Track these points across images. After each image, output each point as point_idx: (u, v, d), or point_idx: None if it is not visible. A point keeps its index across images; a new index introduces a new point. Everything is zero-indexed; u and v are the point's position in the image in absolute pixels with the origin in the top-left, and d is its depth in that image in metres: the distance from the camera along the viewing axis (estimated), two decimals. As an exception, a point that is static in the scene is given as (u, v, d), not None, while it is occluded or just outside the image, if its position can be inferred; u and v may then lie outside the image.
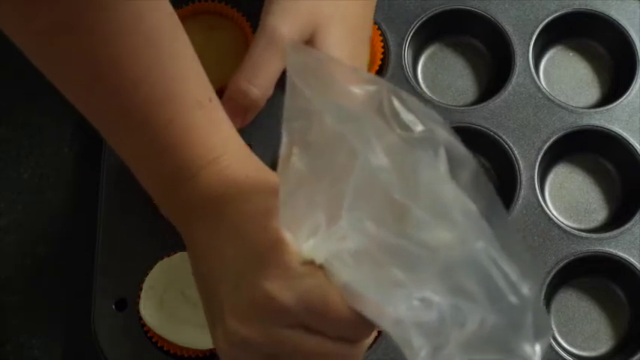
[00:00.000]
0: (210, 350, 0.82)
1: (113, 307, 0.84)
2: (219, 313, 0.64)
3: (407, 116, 0.59)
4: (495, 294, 0.56)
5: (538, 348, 0.57)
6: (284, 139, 0.61)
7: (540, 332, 0.57)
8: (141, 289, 0.83)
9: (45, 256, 0.88)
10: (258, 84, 0.75)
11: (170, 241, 0.85)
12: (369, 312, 0.60)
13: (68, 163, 0.91)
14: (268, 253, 0.61)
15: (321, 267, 0.61)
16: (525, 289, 0.56)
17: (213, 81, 0.72)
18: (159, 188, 0.68)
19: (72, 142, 0.91)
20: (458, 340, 0.57)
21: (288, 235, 0.61)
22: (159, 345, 0.83)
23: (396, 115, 0.59)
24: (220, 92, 0.81)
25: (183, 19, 0.89)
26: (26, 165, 0.91)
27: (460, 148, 0.58)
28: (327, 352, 0.62)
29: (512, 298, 0.56)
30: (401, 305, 0.58)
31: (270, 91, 0.76)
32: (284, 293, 0.60)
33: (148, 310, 0.82)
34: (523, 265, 0.57)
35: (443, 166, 0.57)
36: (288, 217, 0.61)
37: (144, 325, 0.83)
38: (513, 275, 0.56)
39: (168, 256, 0.84)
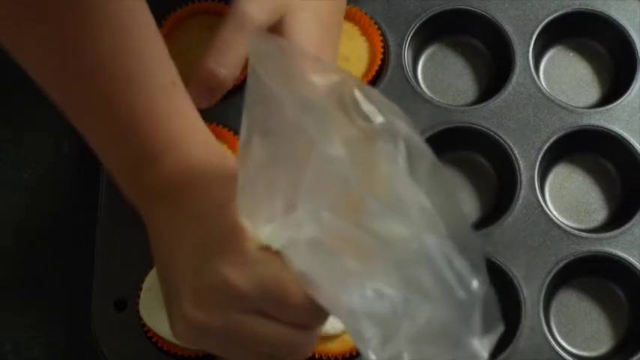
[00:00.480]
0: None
1: (113, 307, 0.84)
2: (176, 297, 0.64)
3: (367, 107, 0.59)
4: (445, 289, 0.57)
5: (487, 343, 0.58)
6: (244, 126, 0.61)
7: (490, 327, 0.58)
8: (141, 289, 0.83)
9: (45, 256, 0.89)
10: (226, 64, 0.76)
11: (170, 241, 0.85)
12: (324, 300, 0.60)
13: (68, 163, 0.91)
14: (226, 238, 0.62)
15: (278, 253, 0.62)
16: (475, 285, 0.57)
17: None
18: (122, 173, 0.69)
19: (72, 142, 0.91)
20: (409, 332, 0.58)
21: (245, 222, 0.62)
22: (159, 345, 0.83)
23: (356, 105, 0.59)
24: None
25: (182, 19, 0.89)
26: (26, 165, 0.91)
27: (419, 142, 0.59)
28: (281, 337, 0.63)
29: (461, 293, 0.57)
30: (354, 295, 0.58)
31: (237, 72, 0.77)
32: (241, 279, 0.61)
33: (147, 310, 0.82)
34: (475, 260, 0.58)
35: (401, 158, 0.58)
36: (246, 203, 0.61)
37: (144, 325, 0.83)
38: (464, 270, 0.57)
39: (168, 256, 0.84)
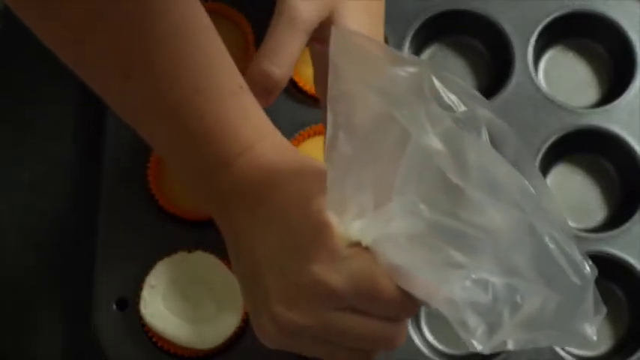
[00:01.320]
0: (210, 350, 0.83)
1: (113, 307, 0.84)
2: (263, 299, 0.63)
3: (449, 96, 0.59)
4: (558, 274, 0.57)
5: (595, 326, 0.58)
6: (329, 123, 0.61)
7: (597, 311, 0.58)
8: (141, 289, 0.83)
9: (45, 256, 0.88)
10: (280, 64, 0.75)
11: (170, 241, 0.85)
12: (421, 292, 0.60)
13: (68, 163, 0.91)
14: (313, 236, 0.61)
15: (366, 249, 0.61)
16: (588, 269, 0.57)
17: None
18: (194, 178, 0.68)
19: (72, 143, 0.91)
20: (514, 320, 0.58)
21: (333, 218, 0.61)
22: (159, 345, 0.83)
23: (437, 95, 0.59)
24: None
25: None
26: (26, 165, 0.91)
27: (501, 125, 0.59)
28: (374, 331, 0.62)
29: (576, 279, 0.57)
30: (455, 285, 0.58)
31: (291, 71, 0.76)
32: (331, 276, 0.61)
33: (148, 310, 0.82)
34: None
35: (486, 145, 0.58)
36: (334, 199, 0.61)
37: (144, 325, 0.83)
38: (575, 255, 0.57)
39: (169, 255, 0.84)
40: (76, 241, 0.88)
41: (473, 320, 0.58)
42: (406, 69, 0.60)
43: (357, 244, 0.61)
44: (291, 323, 0.62)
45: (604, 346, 0.85)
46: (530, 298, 0.58)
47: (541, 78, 0.91)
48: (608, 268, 0.85)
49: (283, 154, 0.66)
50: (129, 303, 0.84)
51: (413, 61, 0.61)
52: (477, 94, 0.60)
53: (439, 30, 0.92)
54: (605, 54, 0.93)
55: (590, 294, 0.58)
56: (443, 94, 0.59)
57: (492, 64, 0.92)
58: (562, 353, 0.83)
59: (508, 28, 0.91)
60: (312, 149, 0.87)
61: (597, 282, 0.85)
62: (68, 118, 0.92)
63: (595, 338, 0.58)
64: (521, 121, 0.88)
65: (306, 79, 0.88)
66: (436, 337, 0.85)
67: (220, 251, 0.84)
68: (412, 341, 0.83)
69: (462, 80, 0.90)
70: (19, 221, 0.89)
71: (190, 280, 0.83)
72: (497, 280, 0.58)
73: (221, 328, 0.82)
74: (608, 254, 0.85)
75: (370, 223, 0.60)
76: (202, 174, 0.66)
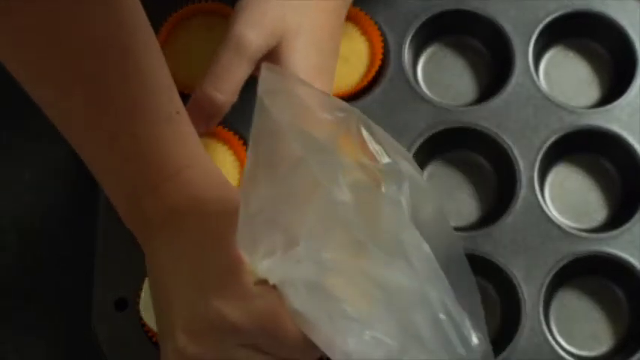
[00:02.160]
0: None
1: (113, 307, 0.84)
2: (170, 328, 0.64)
3: (374, 146, 0.60)
4: (445, 342, 0.57)
5: None
6: (249, 159, 0.61)
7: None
8: (141, 289, 0.83)
9: (45, 256, 0.89)
10: (223, 90, 0.76)
11: (170, 241, 0.85)
12: (319, 340, 0.60)
13: (68, 163, 0.91)
14: (224, 271, 0.62)
15: (274, 288, 0.61)
16: (475, 341, 0.58)
17: None
18: (122, 200, 0.68)
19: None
20: None
21: (244, 255, 0.61)
22: (159, 345, 0.83)
23: (363, 143, 0.59)
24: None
25: (183, 19, 0.89)
26: (26, 165, 0.91)
27: (424, 183, 0.59)
28: None
29: (461, 349, 0.57)
30: (351, 339, 0.59)
31: (234, 98, 0.77)
32: (237, 313, 0.61)
33: (148, 310, 0.82)
34: (476, 313, 0.59)
35: (405, 200, 0.58)
36: (246, 236, 0.61)
37: (144, 325, 0.83)
38: (464, 325, 0.58)
39: (169, 256, 0.84)
40: (76, 242, 0.88)
41: None
42: (335, 113, 0.60)
43: (265, 283, 0.61)
44: (192, 355, 0.62)
45: (604, 346, 0.85)
46: None
47: (541, 78, 0.91)
48: (608, 268, 0.86)
49: (211, 184, 0.67)
50: (129, 303, 0.84)
51: (342, 106, 0.61)
52: (400, 146, 0.60)
53: (439, 30, 0.92)
54: (605, 54, 0.93)
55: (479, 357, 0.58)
56: (369, 143, 0.59)
57: (492, 64, 0.92)
58: (562, 353, 0.83)
59: (508, 28, 0.91)
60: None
61: (598, 282, 0.86)
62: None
63: None
64: (521, 121, 0.88)
65: None
66: (436, 337, 0.85)
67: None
68: (412, 341, 0.83)
69: (460, 80, 0.92)
70: (19, 221, 0.89)
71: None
72: (390, 341, 0.58)
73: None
74: (608, 254, 0.85)
75: (278, 263, 0.61)
76: (129, 196, 0.67)
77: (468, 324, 0.58)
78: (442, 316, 0.57)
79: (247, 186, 0.61)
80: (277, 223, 0.60)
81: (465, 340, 0.57)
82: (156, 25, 0.70)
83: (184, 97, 0.89)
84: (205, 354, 0.62)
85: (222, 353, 0.62)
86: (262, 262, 0.61)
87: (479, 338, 0.58)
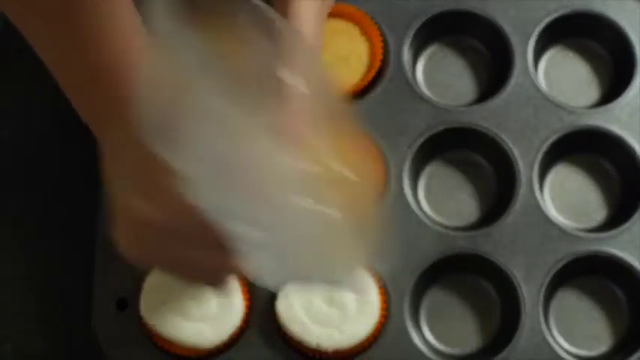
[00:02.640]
0: (210, 350, 0.83)
1: (114, 307, 0.84)
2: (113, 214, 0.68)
3: None
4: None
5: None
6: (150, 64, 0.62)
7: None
8: (141, 289, 0.83)
9: (45, 256, 0.88)
10: None
11: (170, 241, 0.85)
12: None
13: (68, 163, 0.91)
14: (145, 171, 0.64)
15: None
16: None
17: None
18: (78, 90, 0.69)
19: (72, 143, 0.91)
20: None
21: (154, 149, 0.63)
22: (159, 345, 0.83)
23: None
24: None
25: None
26: (26, 165, 0.91)
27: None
28: (198, 260, 0.67)
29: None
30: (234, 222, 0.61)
31: None
32: (147, 207, 0.65)
33: (148, 310, 0.82)
34: None
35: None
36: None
37: (144, 325, 0.83)
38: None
39: (169, 256, 0.84)
40: (76, 241, 0.88)
41: (256, 256, 0.62)
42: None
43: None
44: (130, 253, 0.68)
45: (604, 346, 0.85)
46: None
47: (541, 78, 0.91)
48: (608, 268, 0.86)
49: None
50: (129, 303, 0.84)
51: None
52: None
53: (439, 30, 0.92)
54: (605, 54, 0.93)
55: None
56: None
57: (492, 64, 0.92)
58: (562, 353, 0.83)
59: (508, 28, 0.91)
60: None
61: (598, 282, 0.86)
62: (68, 118, 0.92)
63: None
64: (521, 121, 0.88)
65: None
66: (436, 337, 0.85)
67: (220, 251, 0.85)
68: (412, 341, 0.83)
69: (460, 80, 0.92)
70: (19, 221, 0.89)
71: (190, 280, 0.83)
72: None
73: (221, 327, 0.82)
74: (608, 254, 0.85)
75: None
76: (87, 86, 0.67)
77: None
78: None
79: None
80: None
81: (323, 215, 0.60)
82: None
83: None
84: (127, 246, 0.68)
85: (151, 250, 0.67)
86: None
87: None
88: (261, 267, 0.62)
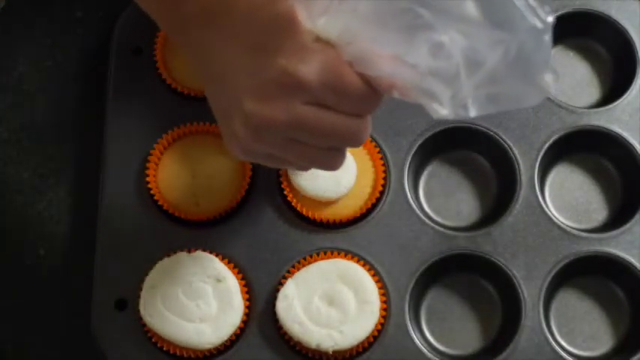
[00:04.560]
0: (210, 350, 0.83)
1: (113, 307, 0.84)
2: (235, 102, 0.64)
3: None
4: (518, 19, 0.56)
5: (552, 80, 0.57)
6: None
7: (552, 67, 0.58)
8: (141, 289, 0.83)
9: (45, 256, 0.89)
10: None
11: (170, 241, 0.85)
12: (385, 69, 0.61)
13: (68, 164, 0.91)
14: (280, 32, 0.62)
15: (333, 45, 0.62)
16: (545, 14, 0.56)
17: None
18: (162, 7, 0.69)
19: (72, 142, 0.91)
20: (476, 80, 0.58)
21: (300, 14, 0.62)
22: (159, 345, 0.83)
23: None
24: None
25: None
26: (26, 165, 0.91)
27: None
28: (341, 126, 0.64)
29: (536, 22, 0.56)
30: (420, 51, 0.58)
31: None
32: (299, 67, 0.62)
33: (147, 310, 0.82)
34: None
35: None
36: None
37: (144, 325, 0.83)
38: (534, 2, 0.56)
39: (168, 256, 0.84)
40: (76, 242, 0.89)
41: (437, 86, 0.59)
42: None
43: (322, 40, 0.62)
44: (263, 119, 0.63)
45: (604, 346, 0.85)
46: (492, 51, 0.57)
47: (541, 78, 0.91)
48: (608, 268, 0.86)
49: None
50: (129, 303, 0.84)
51: None
52: None
53: (439, 30, 0.92)
54: (605, 54, 0.93)
55: (550, 38, 0.56)
56: None
57: (492, 64, 0.92)
58: (562, 353, 0.83)
59: (508, 27, 0.91)
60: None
61: (598, 282, 0.86)
62: (68, 118, 0.92)
63: (552, 90, 0.58)
64: (521, 121, 0.88)
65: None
66: (436, 337, 0.85)
67: (220, 251, 0.85)
68: (412, 341, 0.83)
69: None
70: (19, 221, 0.89)
71: (190, 280, 0.83)
72: (457, 40, 0.58)
73: (221, 328, 0.82)
74: (608, 254, 0.85)
75: (335, 15, 0.61)
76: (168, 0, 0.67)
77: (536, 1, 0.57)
78: None
79: None
80: None
81: (535, 12, 0.56)
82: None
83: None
84: (274, 114, 0.63)
85: (290, 112, 0.63)
86: (319, 20, 0.61)
87: (547, 12, 0.57)
88: (439, 95, 0.59)
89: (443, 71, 0.58)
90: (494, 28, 0.57)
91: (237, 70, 0.64)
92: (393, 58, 0.60)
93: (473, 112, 0.59)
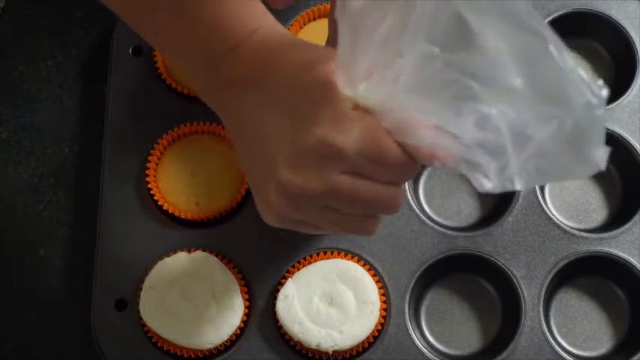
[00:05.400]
0: (210, 350, 0.83)
1: (113, 307, 0.84)
2: (270, 170, 0.63)
3: None
4: (574, 93, 0.55)
5: (604, 154, 0.56)
6: None
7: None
8: (141, 289, 0.83)
9: (45, 256, 0.89)
10: None
11: (170, 241, 0.85)
12: (427, 140, 0.59)
13: (68, 163, 0.91)
14: (319, 100, 0.61)
15: (372, 113, 0.61)
16: (599, 90, 0.55)
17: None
18: (198, 70, 0.68)
19: (72, 142, 0.91)
20: (523, 154, 0.56)
21: (340, 80, 0.60)
22: (159, 345, 0.83)
23: None
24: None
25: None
26: (26, 165, 0.91)
27: None
28: (378, 194, 0.63)
29: (591, 97, 0.55)
30: (466, 122, 0.57)
31: None
32: (337, 137, 0.61)
33: (148, 310, 0.82)
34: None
35: None
36: (343, 62, 0.60)
37: (144, 325, 0.83)
38: (584, 74, 0.55)
39: (168, 256, 0.84)
40: (76, 242, 0.89)
41: (482, 159, 0.57)
42: None
43: (362, 108, 0.61)
44: (297, 188, 0.62)
45: (604, 346, 0.85)
46: (542, 125, 0.56)
47: (541, 78, 0.91)
48: (608, 268, 0.86)
49: (283, 35, 0.67)
50: (128, 303, 0.84)
51: None
52: None
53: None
54: (605, 54, 0.93)
55: (604, 112, 0.55)
56: None
57: (492, 64, 0.92)
58: (562, 353, 0.83)
59: (508, 27, 0.90)
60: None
61: (598, 282, 0.86)
62: (68, 118, 0.92)
63: (604, 166, 0.56)
64: (521, 121, 0.88)
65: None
66: (436, 337, 0.85)
67: (220, 251, 0.85)
68: (412, 341, 0.83)
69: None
70: (19, 221, 0.89)
71: (190, 280, 0.83)
72: (506, 113, 0.56)
73: (221, 328, 0.82)
74: (608, 254, 0.85)
75: (377, 83, 0.59)
76: (207, 62, 0.66)
77: (586, 73, 0.55)
78: (567, 68, 0.55)
79: (342, 7, 0.59)
80: (375, 41, 0.58)
81: (591, 89, 0.55)
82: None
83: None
84: (310, 184, 0.62)
85: (325, 181, 0.62)
86: (360, 86, 0.60)
87: (600, 86, 0.55)
88: (485, 167, 0.58)
89: (489, 143, 0.57)
90: (545, 102, 0.56)
91: (273, 136, 0.63)
92: (436, 128, 0.59)
93: (519, 185, 0.57)
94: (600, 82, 0.55)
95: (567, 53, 0.55)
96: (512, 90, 0.56)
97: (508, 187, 0.57)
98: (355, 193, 0.62)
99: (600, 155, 0.56)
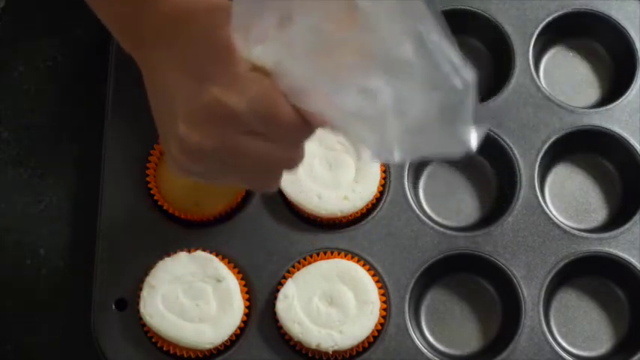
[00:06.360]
0: (210, 350, 0.83)
1: (113, 307, 0.84)
2: (171, 123, 0.66)
3: None
4: (441, 77, 0.58)
5: (476, 135, 0.59)
6: None
7: (477, 122, 0.59)
8: (141, 289, 0.83)
9: (45, 256, 0.88)
10: None
11: (170, 241, 0.85)
12: (317, 106, 0.61)
13: (68, 164, 0.91)
14: (217, 60, 0.63)
15: (268, 74, 0.62)
16: (469, 74, 0.58)
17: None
18: (121, 20, 0.70)
19: (72, 143, 0.91)
20: (401, 127, 0.59)
21: (238, 42, 0.62)
22: (159, 345, 0.83)
23: None
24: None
25: None
26: (26, 165, 0.91)
27: None
28: (274, 154, 0.65)
29: (457, 81, 0.58)
30: (348, 95, 0.59)
31: None
32: (232, 98, 0.63)
33: (147, 310, 0.82)
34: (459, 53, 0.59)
35: None
36: (239, 25, 0.62)
37: (144, 325, 0.83)
38: (457, 60, 0.58)
39: (169, 255, 0.84)
40: (76, 242, 0.89)
41: (363, 129, 0.60)
42: None
43: (259, 69, 0.62)
44: (194, 144, 0.64)
45: (605, 346, 0.85)
46: (416, 104, 0.59)
47: (541, 78, 0.91)
48: (608, 268, 0.86)
49: None
50: (129, 303, 0.84)
51: None
52: None
53: (439, 30, 0.92)
54: (605, 54, 0.93)
55: (470, 98, 0.58)
56: None
57: (492, 64, 0.92)
58: (562, 353, 0.83)
59: (508, 28, 0.91)
60: None
61: (598, 282, 0.86)
62: (68, 118, 0.92)
63: (474, 146, 0.59)
64: (521, 121, 0.88)
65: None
66: (436, 337, 0.85)
67: (220, 251, 0.85)
68: (412, 341, 0.83)
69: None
70: (19, 221, 0.89)
71: (190, 280, 0.83)
72: (386, 87, 0.59)
73: (221, 327, 0.82)
74: (608, 254, 0.85)
75: (272, 45, 0.61)
76: (129, 14, 0.68)
77: (459, 60, 0.58)
78: (438, 53, 0.58)
79: None
80: (271, 6, 0.61)
81: (459, 73, 0.58)
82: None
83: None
84: (205, 141, 0.64)
85: (221, 139, 0.64)
86: (256, 48, 0.62)
87: (471, 72, 0.58)
88: (365, 139, 0.60)
89: (369, 115, 0.60)
90: (422, 82, 0.58)
91: (177, 93, 0.65)
92: (324, 96, 0.61)
93: (397, 157, 0.60)
94: (470, 66, 0.58)
95: (446, 38, 0.59)
96: (395, 67, 0.59)
97: (387, 159, 0.60)
98: (249, 152, 0.64)
99: (469, 136, 0.59)
